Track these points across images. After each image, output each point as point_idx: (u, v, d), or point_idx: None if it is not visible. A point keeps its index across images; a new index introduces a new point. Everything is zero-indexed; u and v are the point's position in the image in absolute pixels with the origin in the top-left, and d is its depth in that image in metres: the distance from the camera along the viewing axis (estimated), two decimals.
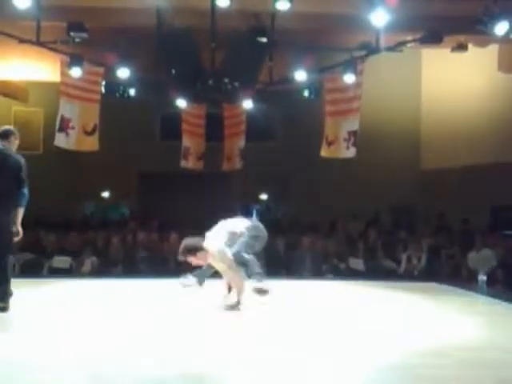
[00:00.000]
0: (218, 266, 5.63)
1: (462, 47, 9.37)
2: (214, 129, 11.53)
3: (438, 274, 9.02)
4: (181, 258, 5.64)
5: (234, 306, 5.55)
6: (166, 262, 9.48)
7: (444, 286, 7.97)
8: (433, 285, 8.14)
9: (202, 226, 11.44)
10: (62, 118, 9.43)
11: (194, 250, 5.54)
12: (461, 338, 4.57)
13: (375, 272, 9.14)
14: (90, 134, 9.74)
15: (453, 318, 5.54)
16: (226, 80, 10.57)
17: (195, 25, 9.33)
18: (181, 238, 9.77)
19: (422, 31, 8.57)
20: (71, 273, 9.08)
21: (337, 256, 9.56)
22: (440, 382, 3.38)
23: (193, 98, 10.93)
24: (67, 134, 9.47)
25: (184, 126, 11.35)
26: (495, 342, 4.47)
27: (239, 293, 5.57)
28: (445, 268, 9.31)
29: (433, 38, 8.39)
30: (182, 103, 10.91)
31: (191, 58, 10.18)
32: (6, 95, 12.55)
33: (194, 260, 5.61)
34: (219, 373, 3.48)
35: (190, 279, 5.98)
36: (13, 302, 6.08)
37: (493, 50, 10.41)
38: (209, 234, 5.65)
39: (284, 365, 3.66)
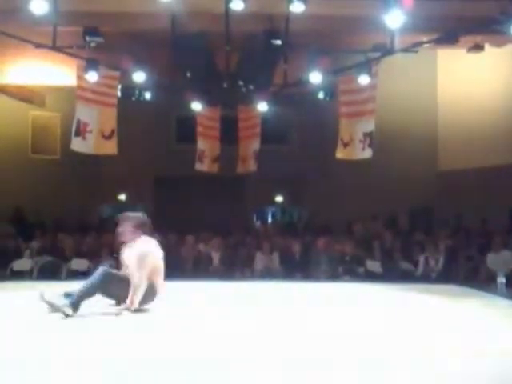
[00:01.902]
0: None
1: (478, 47, 9.31)
2: (229, 131, 11.56)
3: (455, 275, 8.93)
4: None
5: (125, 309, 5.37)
6: (182, 263, 9.53)
7: (463, 288, 7.90)
8: (452, 287, 8.07)
9: (216, 228, 11.46)
10: (79, 122, 9.51)
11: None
12: (485, 342, 4.51)
13: (392, 274, 9.09)
14: (108, 137, 9.80)
15: (475, 321, 5.48)
16: (241, 83, 10.61)
17: (210, 28, 9.37)
18: (197, 240, 9.85)
19: (437, 32, 8.51)
20: (89, 275, 9.13)
21: (354, 258, 9.51)
22: None
23: (208, 100, 10.98)
24: (84, 138, 9.54)
25: (199, 129, 11.38)
26: None
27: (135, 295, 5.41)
28: (462, 270, 9.22)
29: (449, 38, 8.33)
30: (197, 106, 10.95)
31: (206, 61, 10.23)
32: (23, 100, 12.69)
33: None
34: (230, 374, 3.48)
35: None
36: (31, 303, 6.14)
37: (509, 49, 10.30)
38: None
39: (298, 367, 3.65)
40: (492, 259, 8.96)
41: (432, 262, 9.32)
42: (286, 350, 4.13)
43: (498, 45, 9.91)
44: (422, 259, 9.37)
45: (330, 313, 5.77)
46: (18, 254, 9.64)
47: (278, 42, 9.24)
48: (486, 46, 9.67)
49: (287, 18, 8.93)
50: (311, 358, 3.87)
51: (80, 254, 9.52)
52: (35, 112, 13.44)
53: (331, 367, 3.67)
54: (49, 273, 9.04)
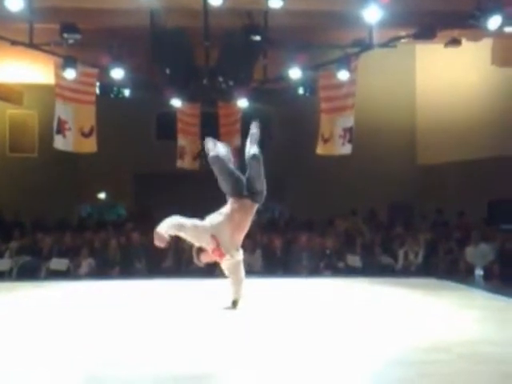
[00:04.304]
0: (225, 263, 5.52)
1: (455, 42, 9.36)
2: (210, 128, 11.49)
3: (435, 269, 9.01)
4: (198, 262, 5.53)
5: (232, 305, 5.53)
6: (163, 262, 9.49)
7: (442, 282, 7.98)
8: (431, 280, 8.15)
9: None
10: (59, 120, 9.41)
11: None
12: (459, 333, 4.58)
13: (372, 268, 9.14)
14: (87, 135, 9.71)
15: (451, 313, 5.55)
16: (221, 79, 10.55)
17: (188, 24, 9.31)
18: (177, 238, 9.83)
19: (415, 27, 8.56)
20: (69, 275, 9.06)
21: (334, 253, 9.54)
22: (440, 377, 3.40)
23: (187, 97, 10.91)
24: (64, 136, 9.45)
25: (179, 126, 11.32)
26: (493, 336, 4.48)
27: (237, 291, 5.54)
28: (442, 263, 9.30)
29: (426, 33, 8.38)
30: (176, 102, 10.89)
31: (185, 58, 10.16)
32: (0, 98, 12.50)
33: (206, 258, 5.46)
34: (217, 373, 3.48)
35: None
36: (11, 304, 6.08)
37: (486, 44, 10.42)
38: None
39: (286, 363, 3.67)
40: (470, 252, 9.05)
41: (411, 256, 9.39)
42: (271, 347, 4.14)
43: (475, 39, 10.00)
44: (401, 253, 9.44)
45: (309, 309, 5.79)
46: None
47: (257, 37, 9.20)
48: (463, 40, 9.73)
49: (266, 13, 8.92)
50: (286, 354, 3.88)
51: (59, 254, 9.41)
52: (12, 110, 13.24)
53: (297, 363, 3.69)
54: (28, 273, 8.93)
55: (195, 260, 5.50)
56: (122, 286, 7.78)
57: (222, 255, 5.31)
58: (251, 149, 5.58)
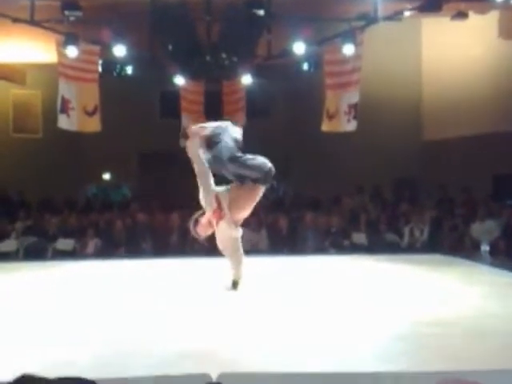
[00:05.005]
0: (222, 240, 5.46)
1: (461, 15, 9.20)
2: (214, 106, 11.38)
3: (440, 245, 8.98)
4: (196, 235, 5.46)
5: (233, 286, 5.49)
6: (168, 241, 9.50)
7: (448, 258, 7.97)
8: (436, 256, 8.14)
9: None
10: (63, 99, 9.35)
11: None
12: (464, 308, 4.59)
13: (378, 246, 9.11)
14: (91, 114, 9.66)
15: (457, 288, 5.56)
16: (224, 55, 10.43)
17: None
18: (182, 218, 9.86)
19: None
20: (75, 255, 9.09)
21: (339, 231, 9.51)
22: (446, 350, 3.42)
23: (191, 74, 10.80)
24: (68, 116, 9.40)
25: (182, 104, 11.21)
26: (497, 311, 4.48)
27: (236, 272, 5.49)
28: (447, 239, 9.26)
29: (432, 5, 8.24)
30: (180, 80, 10.79)
31: (187, 33, 10.02)
32: (3, 78, 12.42)
33: (202, 230, 5.38)
34: (222, 350, 3.49)
35: None
36: (18, 285, 6.11)
37: (493, 16, 10.22)
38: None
39: (291, 339, 3.68)
40: (476, 228, 9.00)
41: (417, 233, 9.36)
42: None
43: (482, 11, 9.79)
44: (407, 230, 9.41)
45: (314, 286, 5.80)
46: (4, 235, 9.54)
47: (261, 12, 9.04)
48: (470, 13, 9.55)
49: None
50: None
51: (65, 234, 9.44)
52: (16, 90, 13.16)
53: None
54: (34, 253, 8.96)
55: (192, 232, 5.46)
56: (127, 265, 7.81)
57: (221, 217, 5.23)
58: (205, 155, 5.32)
